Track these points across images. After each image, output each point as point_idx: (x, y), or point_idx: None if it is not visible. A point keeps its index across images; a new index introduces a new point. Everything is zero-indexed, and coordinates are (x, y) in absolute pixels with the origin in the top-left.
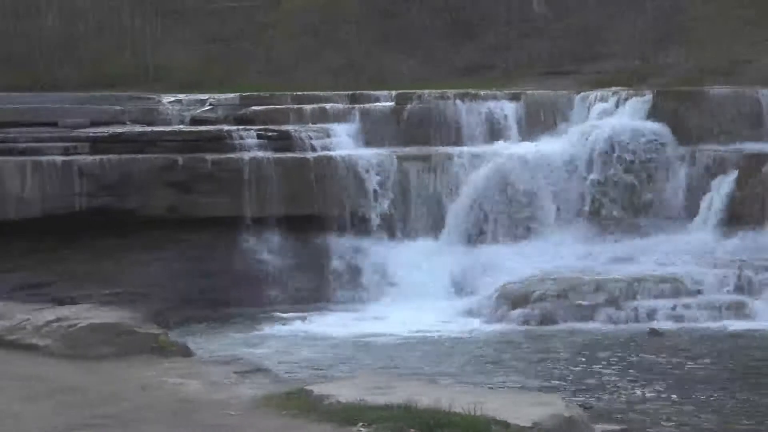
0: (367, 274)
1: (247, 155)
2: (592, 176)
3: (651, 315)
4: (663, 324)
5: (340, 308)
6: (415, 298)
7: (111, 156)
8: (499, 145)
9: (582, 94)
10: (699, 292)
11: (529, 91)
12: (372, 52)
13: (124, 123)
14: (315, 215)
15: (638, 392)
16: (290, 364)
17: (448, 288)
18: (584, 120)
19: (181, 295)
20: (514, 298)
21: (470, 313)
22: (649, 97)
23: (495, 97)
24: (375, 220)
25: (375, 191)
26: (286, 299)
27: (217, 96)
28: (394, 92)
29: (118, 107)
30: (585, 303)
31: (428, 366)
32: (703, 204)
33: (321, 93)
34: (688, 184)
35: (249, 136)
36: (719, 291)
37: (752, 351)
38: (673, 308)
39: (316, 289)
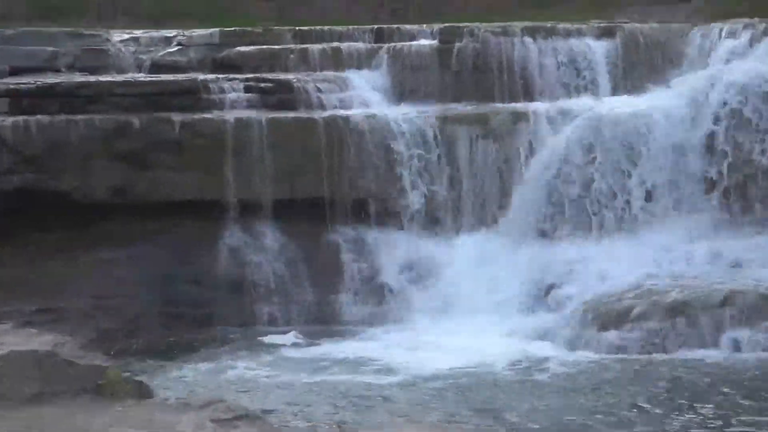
0: (397, 282)
1: (230, 115)
2: (719, 146)
3: None
4: None
5: (360, 331)
6: (466, 316)
7: (39, 117)
8: (586, 101)
9: (701, 27)
10: None
11: (626, 25)
12: None
13: (58, 70)
14: (326, 200)
15: None
16: (287, 405)
17: (514, 300)
18: (705, 65)
19: (139, 311)
20: (605, 316)
21: (545, 335)
22: None
23: (579, 33)
24: (410, 207)
25: (410, 166)
26: (285, 316)
27: (187, 33)
28: (436, 26)
29: (50, 48)
30: (708, 322)
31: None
32: None
33: (336, 28)
34: None
35: (233, 88)
36: None
37: None
38: None
39: (326, 303)
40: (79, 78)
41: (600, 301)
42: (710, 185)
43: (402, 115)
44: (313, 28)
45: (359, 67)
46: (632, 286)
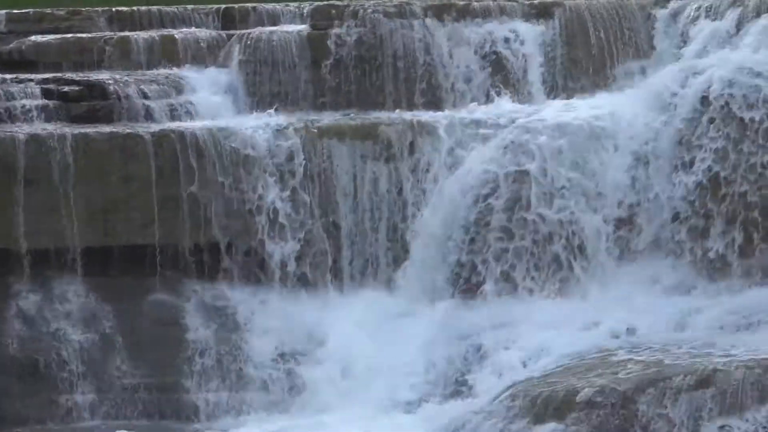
0: (260, 358)
1: (20, 131)
2: (696, 167)
3: None
4: None
5: (210, 427)
6: (352, 405)
7: None
8: (512, 107)
9: (672, 5)
10: None
11: (569, 1)
12: None
13: None
14: (156, 246)
15: None
16: None
17: (417, 385)
18: (677, 56)
19: None
20: (540, 405)
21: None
22: None
23: (504, 13)
24: (274, 256)
25: (273, 199)
26: (102, 406)
27: None
28: (307, 6)
29: None
30: (682, 409)
31: None
32: None
33: (166, 8)
34: None
35: (25, 93)
36: None
37: None
38: None
39: (158, 388)
40: None
41: (533, 384)
42: (678, 222)
43: (260, 128)
44: (136, 9)
45: (200, 63)
46: (575, 362)
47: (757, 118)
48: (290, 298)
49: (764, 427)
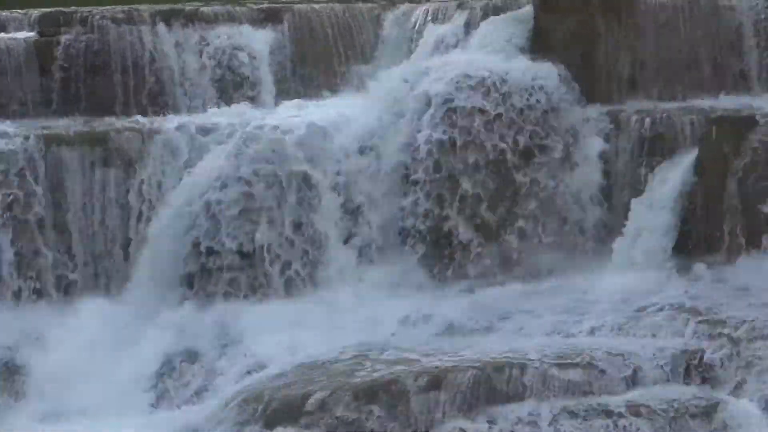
0: None
1: None
2: (423, 168)
3: None
4: None
5: None
6: (76, 418)
7: None
8: (244, 111)
9: (401, 9)
10: (629, 383)
11: (298, 6)
12: None
13: None
14: None
15: None
16: None
17: (145, 392)
18: (406, 59)
19: None
20: (272, 409)
21: None
22: (528, 10)
23: (233, 18)
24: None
25: None
26: None
27: None
28: (35, 12)
29: None
30: (417, 411)
31: None
32: (635, 214)
33: None
34: (605, 176)
35: None
36: (668, 380)
37: None
38: (582, 417)
39: None
40: None
41: (265, 386)
42: (408, 221)
43: None
44: None
45: None
46: (312, 363)
47: (478, 121)
48: (14, 308)
49: (493, 426)
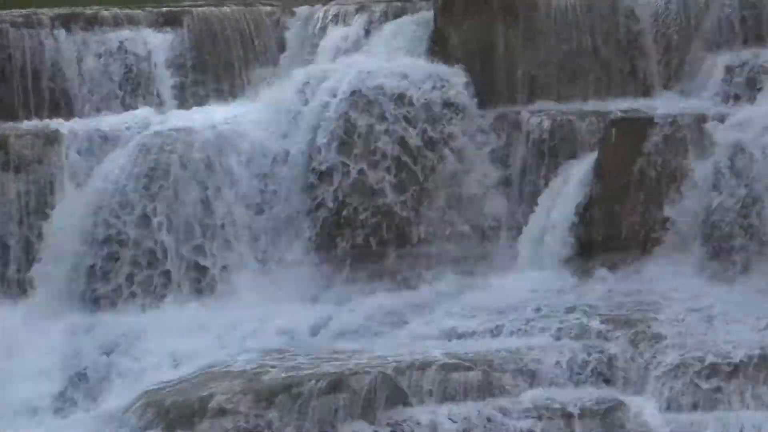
0: None
1: None
2: (323, 168)
3: None
4: None
5: None
6: None
7: None
8: (143, 115)
9: (303, 10)
10: (531, 380)
11: (198, 9)
12: None
13: None
14: None
15: None
16: None
17: (46, 396)
18: (307, 62)
19: None
20: (172, 413)
21: None
22: (428, 13)
23: (132, 22)
24: None
25: None
26: None
27: None
28: None
29: None
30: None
31: None
32: (537, 216)
33: None
34: (505, 178)
35: None
36: (569, 380)
37: None
38: (485, 418)
39: None
40: None
41: (167, 392)
42: (308, 224)
43: None
44: None
45: None
46: (212, 367)
47: (376, 123)
48: None
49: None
